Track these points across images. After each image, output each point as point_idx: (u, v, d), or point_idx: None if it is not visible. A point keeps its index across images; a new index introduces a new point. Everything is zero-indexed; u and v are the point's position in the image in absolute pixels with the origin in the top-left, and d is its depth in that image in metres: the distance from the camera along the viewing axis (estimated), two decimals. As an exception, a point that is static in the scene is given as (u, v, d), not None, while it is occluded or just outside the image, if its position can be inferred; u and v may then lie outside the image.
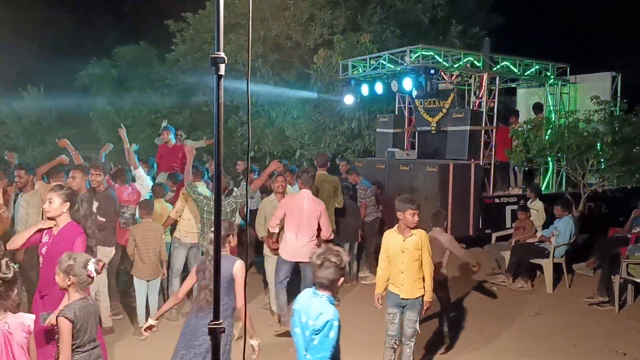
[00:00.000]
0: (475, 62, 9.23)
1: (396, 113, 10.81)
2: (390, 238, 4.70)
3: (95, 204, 5.74)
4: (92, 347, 3.26)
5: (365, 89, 10.08)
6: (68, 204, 4.08)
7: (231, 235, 4.08)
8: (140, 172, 6.70)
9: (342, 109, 11.73)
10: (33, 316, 3.09)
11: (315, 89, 11.96)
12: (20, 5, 17.72)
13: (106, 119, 16.56)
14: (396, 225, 4.68)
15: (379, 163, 9.79)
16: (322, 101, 12.08)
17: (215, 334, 2.12)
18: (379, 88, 9.76)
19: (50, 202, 4.07)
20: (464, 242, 6.39)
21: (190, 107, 15.21)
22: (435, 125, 9.93)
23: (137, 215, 6.31)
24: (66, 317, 3.11)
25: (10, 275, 2.95)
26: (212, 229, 5.46)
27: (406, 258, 4.58)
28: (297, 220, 5.90)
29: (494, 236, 8.69)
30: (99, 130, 17.15)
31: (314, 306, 2.95)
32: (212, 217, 5.42)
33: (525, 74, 9.77)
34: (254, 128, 12.85)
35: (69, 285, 3.23)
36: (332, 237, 6.21)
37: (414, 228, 4.59)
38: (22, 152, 15.76)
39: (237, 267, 3.84)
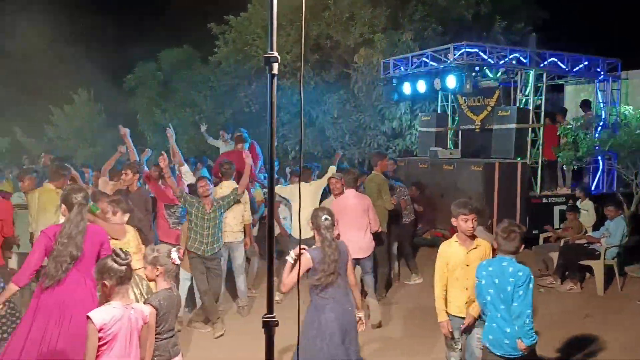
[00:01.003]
0: (521, 58, 9.03)
1: (439, 111, 10.70)
2: (451, 251, 4.19)
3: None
4: (170, 335, 3.43)
5: (407, 88, 10.01)
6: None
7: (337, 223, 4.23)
8: (185, 169, 6.82)
9: (383, 108, 11.69)
10: (150, 307, 3.27)
11: (355, 89, 11.95)
12: (71, 11, 18.37)
13: (152, 120, 16.97)
14: (455, 235, 4.22)
15: (421, 162, 9.71)
16: (362, 100, 12.06)
17: (269, 327, 2.17)
18: (421, 86, 9.68)
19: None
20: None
21: (232, 108, 15.43)
22: (479, 123, 9.77)
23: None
24: (152, 305, 3.28)
25: (129, 261, 3.13)
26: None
27: (472, 273, 3.94)
28: (347, 220, 5.98)
29: (541, 237, 8.49)
30: (145, 132, 17.61)
31: (509, 268, 3.59)
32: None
33: (574, 70, 9.50)
34: (294, 128, 12.95)
35: (157, 276, 3.43)
36: (380, 230, 6.42)
37: (474, 237, 4.14)
38: (73, 153, 16.31)
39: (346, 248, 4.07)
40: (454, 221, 4.15)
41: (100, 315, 2.97)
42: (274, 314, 2.19)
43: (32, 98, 19.82)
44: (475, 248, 4.13)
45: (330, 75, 12.98)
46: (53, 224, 4.28)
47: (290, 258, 3.88)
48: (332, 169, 7.17)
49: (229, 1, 14.69)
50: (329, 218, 4.02)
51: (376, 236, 6.44)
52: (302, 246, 3.80)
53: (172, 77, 17.09)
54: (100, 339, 2.97)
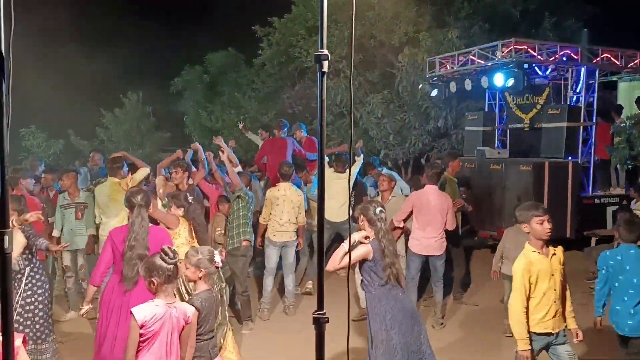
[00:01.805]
0: (572, 54, 8.76)
1: (486, 110, 10.48)
2: (534, 261, 3.66)
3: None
4: (210, 337, 3.47)
5: (453, 86, 9.87)
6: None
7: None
8: (239, 169, 6.94)
9: (428, 107, 11.55)
10: (193, 308, 3.31)
11: (400, 88, 11.86)
12: (119, 16, 18.97)
13: (198, 122, 17.34)
14: (526, 242, 3.77)
15: (468, 162, 9.54)
16: (407, 100, 11.95)
17: (320, 324, 2.17)
18: (467, 85, 9.52)
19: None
20: (561, 244, 6.06)
21: (275, 109, 15.58)
22: (528, 122, 9.52)
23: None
24: (194, 305, 3.30)
25: (177, 260, 3.21)
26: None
27: (558, 282, 3.70)
28: (426, 215, 5.99)
29: (593, 238, 8.21)
30: (192, 133, 18.00)
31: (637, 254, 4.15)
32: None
33: (628, 66, 9.14)
34: (337, 129, 12.96)
35: (199, 278, 3.46)
36: (454, 229, 6.41)
37: (549, 242, 3.73)
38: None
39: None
40: (525, 227, 3.72)
41: (142, 312, 3.02)
42: (324, 311, 2.19)
43: (84, 102, 20.53)
44: (555, 254, 3.72)
45: (374, 75, 12.93)
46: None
47: (345, 245, 3.81)
48: (359, 160, 7.36)
49: (273, 3, 14.87)
50: (383, 210, 4.02)
51: (452, 237, 6.42)
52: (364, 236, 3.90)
53: (218, 79, 17.41)
54: (140, 335, 3.02)
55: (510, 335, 3.88)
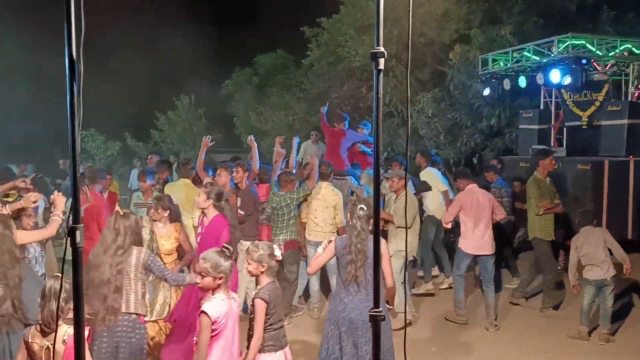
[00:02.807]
0: (633, 49, 8.40)
1: (541, 108, 10.18)
2: None
3: (238, 200, 6.30)
4: (279, 326, 3.57)
5: (506, 84, 9.66)
6: (210, 201, 4.91)
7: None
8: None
9: (481, 105, 11.32)
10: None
11: (451, 86, 11.68)
12: (173, 21, 19.48)
13: (248, 123, 17.59)
14: None
15: (522, 161, 9.29)
16: (458, 98, 11.75)
17: (375, 321, 2.17)
18: (522, 82, 9.30)
19: (199, 196, 4.99)
20: (622, 246, 5.87)
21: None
22: (586, 119, 9.18)
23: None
24: (262, 299, 3.42)
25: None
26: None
27: None
28: (475, 214, 6.11)
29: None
30: (242, 135, 18.29)
31: None
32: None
33: (695, 59, 8.68)
34: (388, 128, 12.86)
35: (262, 272, 3.55)
36: (503, 219, 6.59)
37: None
38: (177, 156, 17.25)
39: (382, 246, 3.95)
40: None
41: (214, 309, 3.17)
42: (380, 308, 2.19)
43: (140, 104, 21.23)
44: None
45: (424, 73, 12.77)
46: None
47: (323, 245, 4.09)
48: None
49: (321, 4, 14.93)
50: (364, 209, 4.03)
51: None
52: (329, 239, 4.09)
53: (267, 81, 17.61)
54: (212, 330, 3.17)
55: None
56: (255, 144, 7.02)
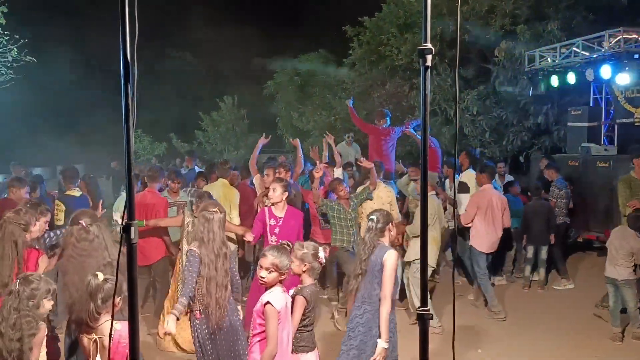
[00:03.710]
0: (690, 42, 8.03)
1: (591, 105, 9.85)
2: None
3: None
4: (311, 329, 3.58)
5: (554, 80, 9.41)
6: (287, 193, 5.04)
7: (390, 224, 4.08)
8: (340, 171, 7.04)
9: (527, 103, 11.04)
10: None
11: (496, 84, 11.44)
12: (216, 23, 19.84)
13: (290, 123, 17.73)
14: None
15: (571, 160, 9.02)
16: (504, 96, 11.50)
17: (423, 320, 2.16)
18: (570, 78, 9.04)
19: (273, 191, 5.06)
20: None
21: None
22: (639, 116, 8.83)
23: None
24: (304, 296, 3.45)
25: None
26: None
27: None
28: (491, 214, 6.24)
29: None
30: (284, 135, 18.45)
31: None
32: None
33: None
34: (431, 127, 12.70)
35: (303, 271, 3.55)
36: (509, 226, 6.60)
37: None
38: (220, 155, 17.57)
39: (387, 256, 3.85)
40: None
41: (278, 300, 3.23)
42: (428, 307, 2.17)
43: (184, 106, 21.71)
44: None
45: (469, 71, 12.56)
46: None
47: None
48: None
49: (363, 3, 14.91)
50: (374, 220, 4.01)
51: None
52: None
53: (309, 81, 17.70)
54: None
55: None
56: (300, 145, 7.09)
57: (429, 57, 2.13)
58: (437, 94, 12.51)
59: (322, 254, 3.62)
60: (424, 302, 2.19)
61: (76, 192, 6.51)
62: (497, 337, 5.81)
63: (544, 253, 7.31)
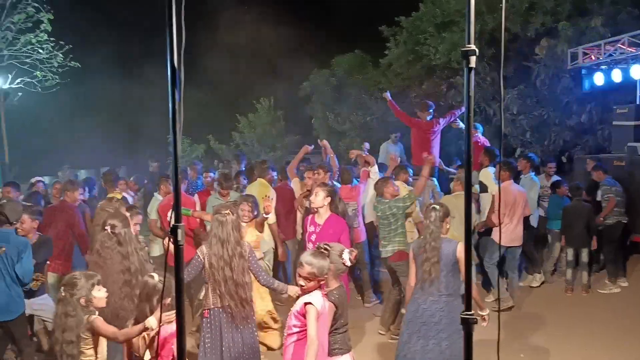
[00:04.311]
0: None
1: (637, 103, 9.52)
2: None
3: None
4: (345, 330, 3.58)
5: (599, 78, 9.14)
6: (329, 198, 4.95)
7: (448, 218, 4.17)
8: (375, 170, 6.98)
9: (570, 101, 10.76)
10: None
11: (537, 82, 11.18)
12: (251, 25, 20.05)
13: (326, 124, 17.74)
14: None
15: (617, 160, 8.73)
16: (545, 94, 11.24)
17: (468, 324, 2.13)
18: (616, 76, 8.78)
19: (315, 195, 4.98)
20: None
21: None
22: (689, 114, 8.51)
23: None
24: (332, 302, 3.45)
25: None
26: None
27: None
28: (513, 210, 6.38)
29: None
30: (320, 136, 18.47)
31: None
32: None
33: None
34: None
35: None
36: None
37: None
38: (257, 157, 17.73)
39: (459, 249, 3.95)
40: None
41: (318, 301, 3.27)
42: (472, 312, 2.15)
43: (222, 109, 22.03)
44: None
45: (509, 69, 12.32)
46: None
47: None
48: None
49: (399, 2, 14.81)
50: (437, 209, 4.14)
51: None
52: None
53: (345, 82, 17.67)
54: None
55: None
56: (327, 143, 7.18)
57: (473, 59, 2.11)
58: (476, 92, 12.32)
59: (346, 256, 3.55)
60: (468, 306, 2.17)
61: (118, 194, 6.69)
62: (539, 343, 5.68)
63: (584, 256, 7.11)
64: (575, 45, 10.12)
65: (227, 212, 4.18)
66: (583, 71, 9.36)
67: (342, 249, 3.60)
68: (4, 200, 5.82)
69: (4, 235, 4.56)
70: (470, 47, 2.09)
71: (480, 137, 8.40)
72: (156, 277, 3.46)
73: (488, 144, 8.41)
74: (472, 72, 2.13)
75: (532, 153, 8.70)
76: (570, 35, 10.71)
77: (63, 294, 3.41)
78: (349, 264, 3.56)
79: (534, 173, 7.64)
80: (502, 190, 6.29)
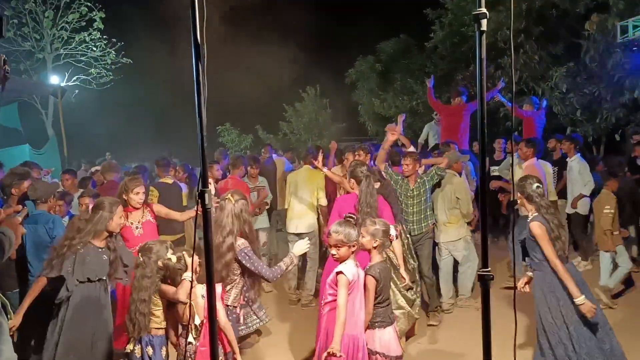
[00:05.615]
0: None
1: (695, 75, 9.09)
2: None
3: None
4: (387, 304, 3.67)
5: (651, 51, 8.74)
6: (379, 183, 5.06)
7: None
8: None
9: (622, 77, 10.34)
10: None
11: (587, 59, 10.80)
12: (296, 14, 20.18)
13: (372, 111, 17.73)
14: None
15: (672, 135, 8.36)
16: (596, 71, 10.84)
17: (484, 281, 2.19)
18: (670, 48, 8.35)
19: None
20: None
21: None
22: None
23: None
24: (373, 276, 3.54)
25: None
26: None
27: None
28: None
29: None
30: (366, 123, 18.49)
31: None
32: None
33: None
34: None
35: (374, 247, 3.64)
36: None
37: None
38: (304, 145, 17.92)
39: (531, 226, 3.90)
40: None
41: (350, 270, 3.37)
42: (489, 268, 2.20)
43: (270, 98, 22.31)
44: None
45: (557, 47, 11.94)
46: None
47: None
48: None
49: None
50: (540, 186, 3.99)
51: None
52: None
53: (390, 67, 17.58)
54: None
55: None
56: (335, 144, 7.50)
57: (484, 22, 2.16)
58: (524, 72, 12.02)
59: (393, 232, 3.69)
60: (484, 263, 2.23)
61: (169, 180, 6.98)
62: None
63: (632, 230, 6.87)
64: (626, 18, 9.71)
65: (228, 197, 3.91)
66: (635, 44, 8.96)
67: (387, 224, 3.70)
68: (60, 189, 6.23)
69: (35, 216, 4.80)
70: (481, 10, 2.14)
71: (527, 111, 8.39)
72: (173, 258, 3.66)
73: (537, 118, 8.29)
74: (484, 36, 2.17)
75: (577, 133, 8.47)
76: (622, 9, 10.27)
77: (141, 259, 3.66)
78: (394, 239, 3.71)
79: (580, 153, 7.37)
80: (525, 168, 6.17)
